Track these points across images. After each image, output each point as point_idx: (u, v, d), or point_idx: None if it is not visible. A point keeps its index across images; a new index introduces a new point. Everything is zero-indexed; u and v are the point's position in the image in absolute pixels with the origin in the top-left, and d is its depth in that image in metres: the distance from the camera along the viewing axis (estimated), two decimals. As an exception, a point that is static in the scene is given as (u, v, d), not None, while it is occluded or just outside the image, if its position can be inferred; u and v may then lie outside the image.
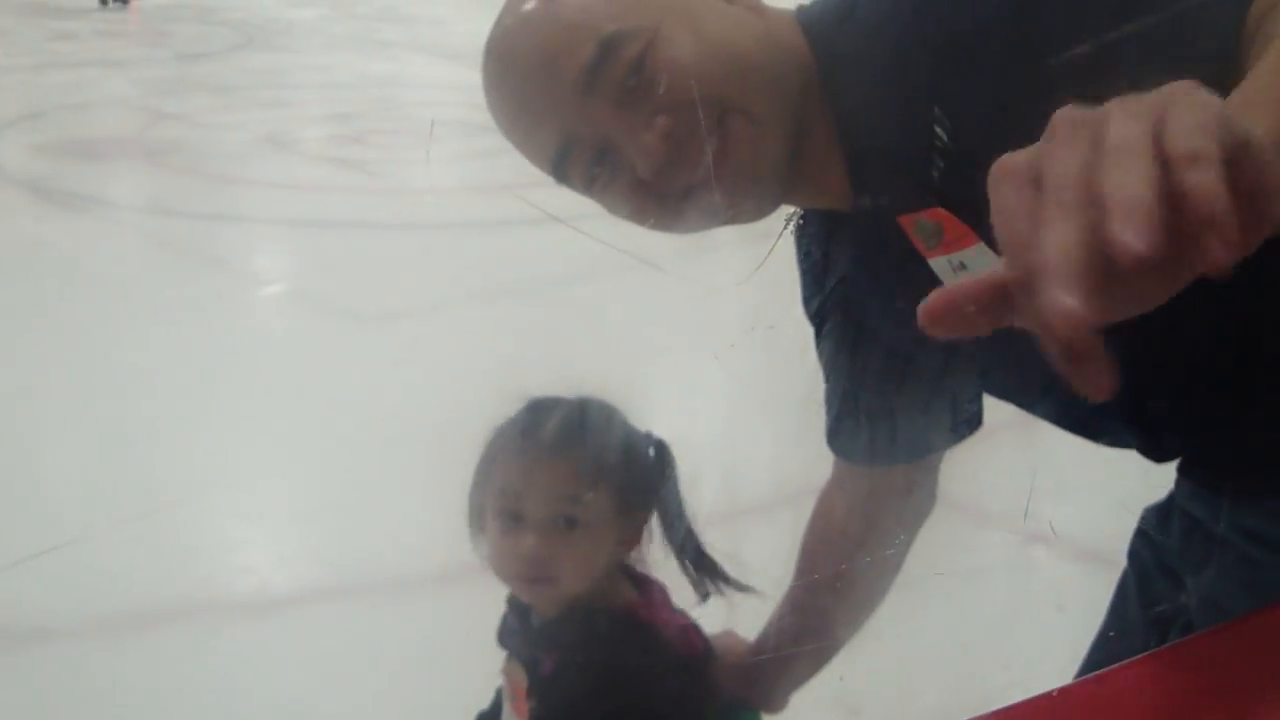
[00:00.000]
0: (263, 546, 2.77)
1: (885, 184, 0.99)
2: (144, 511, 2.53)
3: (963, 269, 0.95)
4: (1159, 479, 1.12)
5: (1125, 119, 0.56)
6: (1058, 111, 0.59)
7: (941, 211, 0.94)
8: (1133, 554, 1.23)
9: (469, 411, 1.33)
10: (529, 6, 1.00)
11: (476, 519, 1.30)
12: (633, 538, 1.30)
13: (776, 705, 1.38)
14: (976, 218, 0.92)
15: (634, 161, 0.97)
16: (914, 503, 1.30)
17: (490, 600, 1.32)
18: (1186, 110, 0.54)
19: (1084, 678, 0.72)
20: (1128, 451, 1.07)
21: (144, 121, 7.05)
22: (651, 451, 1.32)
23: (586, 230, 1.08)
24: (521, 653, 1.29)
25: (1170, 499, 1.15)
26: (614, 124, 0.96)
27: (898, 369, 1.15)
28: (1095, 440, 1.08)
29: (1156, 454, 1.07)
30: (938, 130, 0.88)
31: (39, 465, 2.87)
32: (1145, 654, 0.68)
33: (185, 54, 9.91)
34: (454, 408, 2.31)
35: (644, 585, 1.31)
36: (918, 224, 0.97)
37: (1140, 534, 1.21)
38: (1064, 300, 0.51)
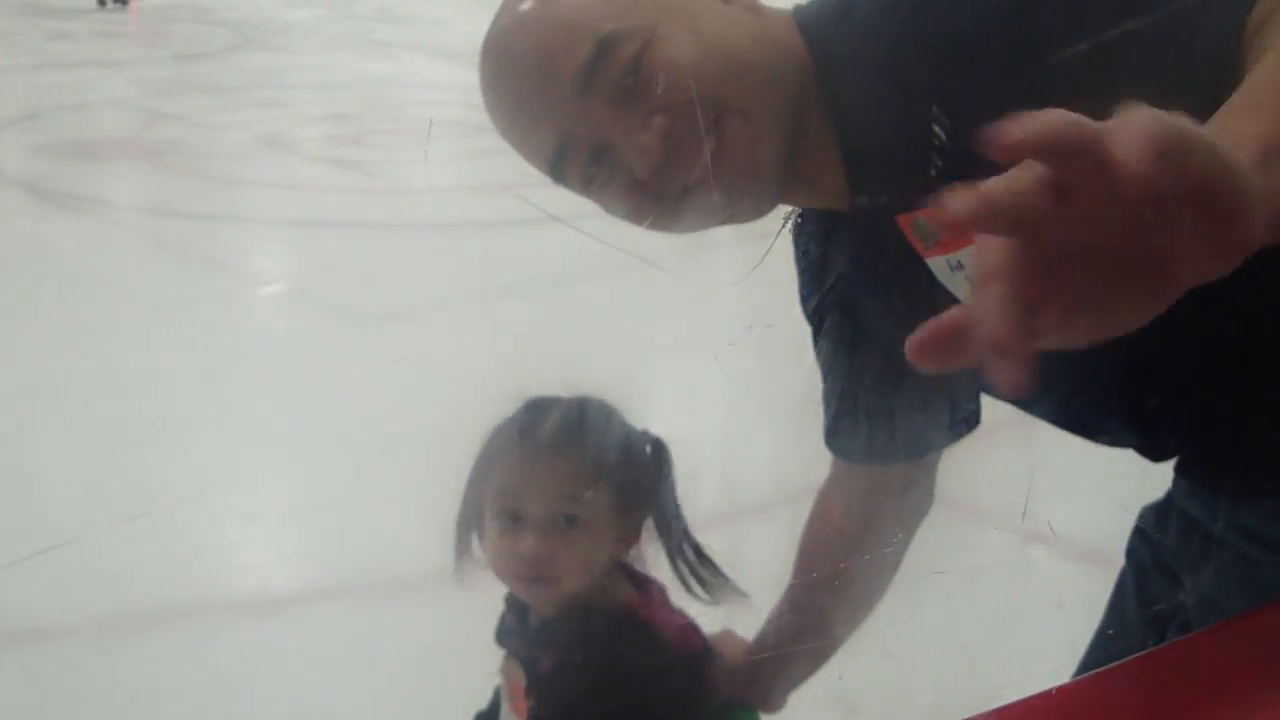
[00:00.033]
0: (262, 546, 2.77)
1: (882, 183, 0.99)
2: (144, 511, 2.53)
3: (960, 268, 0.95)
4: (1157, 478, 1.12)
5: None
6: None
7: (938, 211, 0.94)
8: (1131, 553, 1.23)
9: (468, 411, 1.33)
10: (526, 6, 1.00)
11: (467, 521, 1.30)
12: (632, 536, 1.30)
13: (775, 704, 1.38)
14: None
15: (631, 161, 0.97)
16: (912, 501, 1.31)
17: (489, 600, 1.32)
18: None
19: (1082, 676, 0.72)
20: (1126, 450, 1.07)
21: (142, 122, 7.04)
22: (649, 450, 1.32)
23: (585, 230, 1.08)
24: (520, 652, 1.29)
25: (1168, 498, 1.15)
26: (611, 124, 0.97)
27: (896, 367, 1.15)
28: (1093, 439, 1.08)
29: (1154, 453, 1.07)
30: (936, 129, 0.88)
31: (39, 465, 2.87)
32: (1143, 653, 0.68)
33: (183, 54, 9.91)
34: (453, 407, 2.31)
35: (643, 584, 1.31)
36: (915, 223, 0.97)
37: (1138, 533, 1.21)
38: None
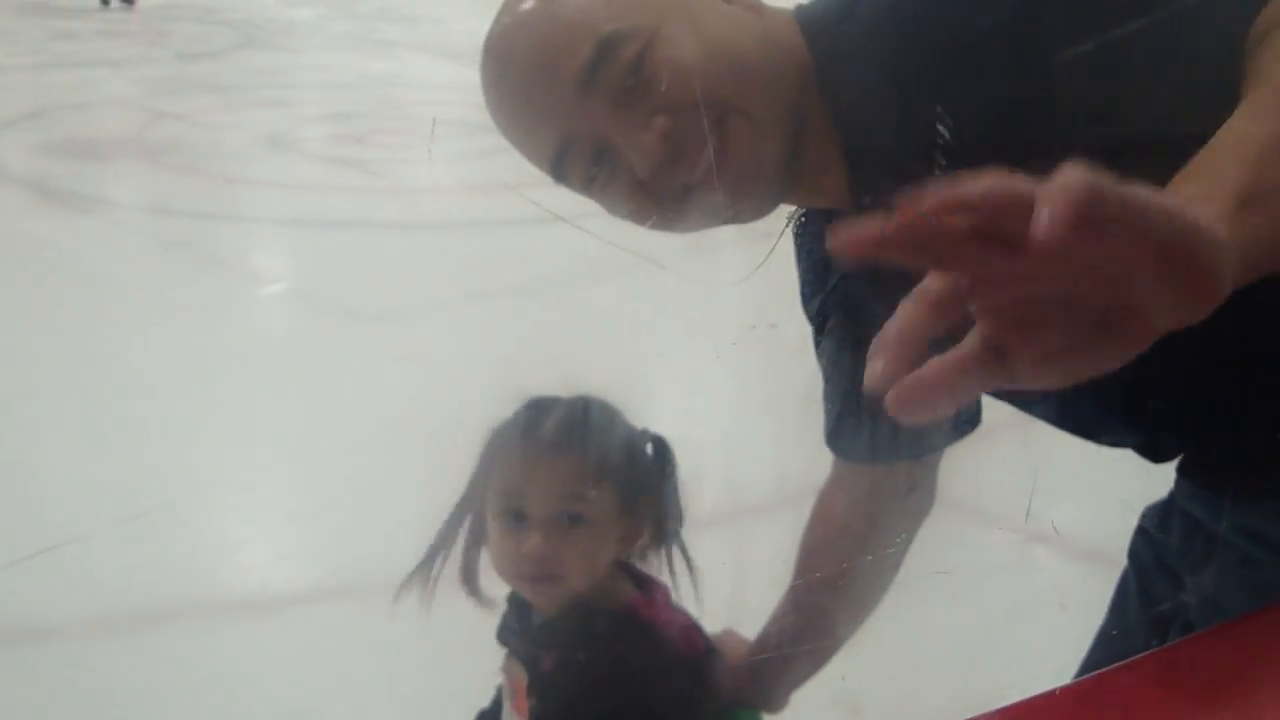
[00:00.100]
0: (263, 546, 2.77)
1: (885, 183, 0.99)
2: (144, 511, 2.53)
3: None
4: (1160, 478, 1.12)
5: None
6: None
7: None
8: (1133, 553, 1.22)
9: (470, 411, 1.33)
10: (527, 6, 1.00)
11: (461, 522, 1.30)
12: (635, 535, 1.30)
13: (777, 704, 1.38)
14: None
15: (632, 162, 0.97)
16: (914, 502, 1.30)
17: (491, 599, 1.32)
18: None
19: (1085, 677, 0.72)
20: (1128, 451, 1.07)
21: (145, 121, 7.05)
22: (650, 448, 1.32)
23: (588, 229, 1.08)
24: (522, 651, 1.29)
25: (1171, 498, 1.15)
26: (612, 124, 0.96)
27: None
28: (1095, 440, 1.08)
29: (1155, 454, 1.07)
30: (940, 128, 0.88)
31: (39, 465, 2.87)
32: (1145, 653, 0.68)
33: (186, 53, 9.91)
34: (455, 407, 2.32)
35: (645, 584, 1.31)
36: (917, 224, 0.97)
37: (1141, 533, 1.21)
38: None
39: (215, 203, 5.44)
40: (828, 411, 1.25)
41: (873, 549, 1.31)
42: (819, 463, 1.31)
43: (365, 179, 5.97)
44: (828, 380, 1.24)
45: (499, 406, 1.28)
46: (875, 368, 0.61)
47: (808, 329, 1.22)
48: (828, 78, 1.00)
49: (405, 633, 1.33)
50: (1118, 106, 0.86)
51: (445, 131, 5.89)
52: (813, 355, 1.23)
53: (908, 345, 0.61)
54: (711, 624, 1.34)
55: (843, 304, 1.16)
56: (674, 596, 1.32)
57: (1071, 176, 0.54)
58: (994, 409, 1.13)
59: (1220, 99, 0.81)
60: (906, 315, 0.62)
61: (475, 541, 1.30)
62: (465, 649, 1.34)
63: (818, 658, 1.36)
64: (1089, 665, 1.19)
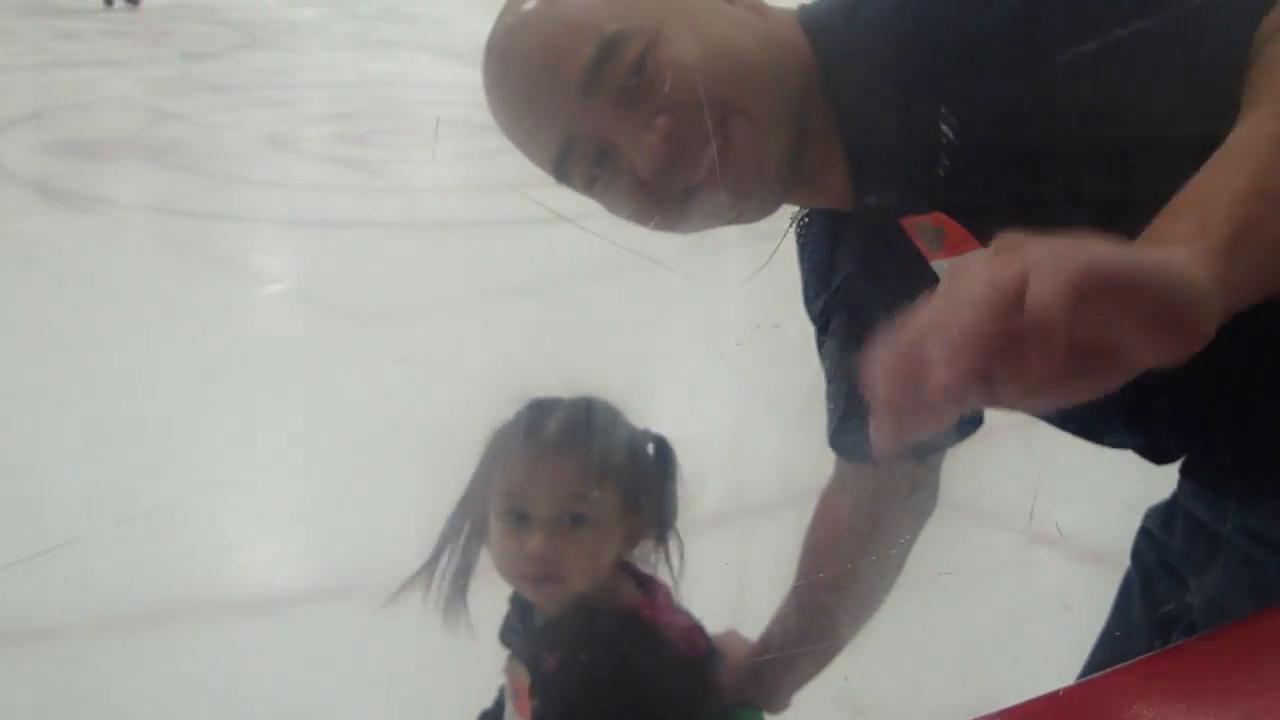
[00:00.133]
0: (263, 546, 2.77)
1: (888, 184, 0.99)
2: (144, 511, 2.53)
3: None
4: (1163, 479, 1.12)
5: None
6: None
7: (942, 216, 0.94)
8: (1136, 554, 1.22)
9: (471, 411, 1.33)
10: (530, 6, 1.00)
11: (464, 524, 1.30)
12: (638, 536, 1.30)
13: (779, 705, 1.38)
14: (977, 221, 0.92)
15: (635, 162, 0.97)
16: (917, 502, 1.30)
17: (493, 599, 1.32)
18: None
19: (1088, 678, 0.72)
20: (1130, 451, 1.07)
21: (147, 121, 7.05)
22: (651, 448, 1.32)
23: (591, 229, 1.08)
24: (524, 651, 1.29)
25: (1174, 499, 1.15)
26: (615, 124, 0.96)
27: None
28: (1097, 442, 1.08)
29: (1157, 456, 1.07)
30: (944, 129, 0.88)
31: (39, 464, 2.87)
32: (1148, 655, 0.68)
33: (188, 53, 9.91)
34: (456, 407, 2.31)
35: (648, 585, 1.31)
36: (919, 226, 0.97)
37: (1144, 534, 1.21)
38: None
39: (216, 202, 5.44)
40: (830, 412, 1.25)
41: (875, 550, 1.30)
42: (822, 463, 1.31)
43: (366, 179, 5.97)
44: (830, 381, 1.23)
45: (501, 407, 1.28)
46: (882, 435, 0.64)
47: (811, 329, 1.22)
48: (830, 78, 1.00)
49: (407, 633, 1.33)
50: (1120, 107, 0.85)
51: (447, 131, 5.89)
52: (816, 355, 1.23)
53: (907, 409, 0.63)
54: (714, 624, 1.34)
55: (846, 304, 1.16)
56: (675, 597, 1.32)
57: (1062, 256, 0.57)
58: (995, 412, 1.13)
59: (1222, 100, 0.81)
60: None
61: (474, 543, 1.30)
62: (467, 649, 1.34)
63: (820, 658, 1.36)
64: (1092, 666, 1.19)
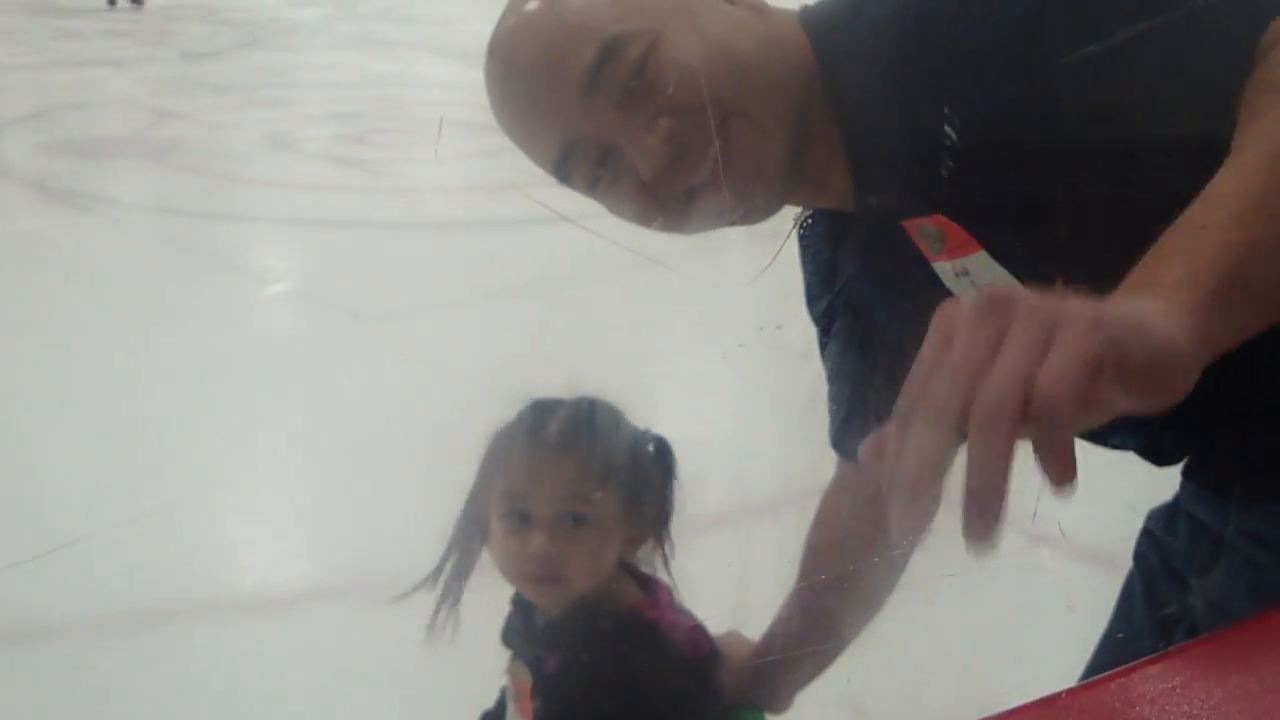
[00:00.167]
0: (263, 546, 2.77)
1: (888, 186, 0.99)
2: (144, 511, 2.53)
3: (965, 274, 0.95)
4: (1165, 481, 1.11)
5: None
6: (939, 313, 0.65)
7: (943, 219, 0.94)
8: (1138, 555, 1.22)
9: (473, 411, 1.33)
10: (532, 7, 1.00)
11: (470, 525, 1.29)
12: (640, 536, 1.30)
13: (781, 706, 1.38)
14: (979, 221, 0.92)
15: (636, 164, 0.97)
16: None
17: (494, 599, 1.32)
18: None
19: (1091, 679, 0.72)
20: (1133, 453, 1.07)
21: (148, 120, 7.05)
22: (652, 449, 1.32)
23: (593, 229, 1.08)
24: (526, 652, 1.29)
25: (1176, 501, 1.15)
26: (616, 126, 0.97)
27: (907, 368, 1.15)
28: (1100, 444, 1.08)
29: (1159, 458, 1.07)
30: (948, 130, 0.88)
31: (40, 464, 2.87)
32: (1151, 656, 0.68)
33: (189, 53, 9.92)
34: (459, 407, 2.31)
35: (649, 585, 1.30)
36: (921, 229, 0.97)
37: (1146, 535, 1.21)
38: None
39: (217, 202, 5.44)
40: (833, 413, 1.25)
41: (879, 551, 1.30)
42: (824, 464, 1.31)
43: (367, 179, 5.97)
44: (833, 382, 1.23)
45: (502, 407, 1.28)
46: (901, 515, 0.66)
47: (812, 330, 1.22)
48: (832, 79, 1.00)
49: (408, 633, 1.33)
50: (1123, 108, 0.85)
51: (448, 131, 5.89)
52: (818, 356, 1.23)
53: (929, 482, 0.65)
54: (716, 625, 1.34)
55: (849, 305, 1.16)
56: (677, 597, 1.32)
57: (1051, 398, 0.58)
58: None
59: (1225, 102, 0.81)
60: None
61: (475, 545, 1.30)
62: (469, 650, 1.34)
63: (822, 659, 1.36)
64: (1094, 668, 1.19)
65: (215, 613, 2.46)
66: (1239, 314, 0.67)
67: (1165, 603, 1.15)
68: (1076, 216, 0.89)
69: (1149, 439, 1.05)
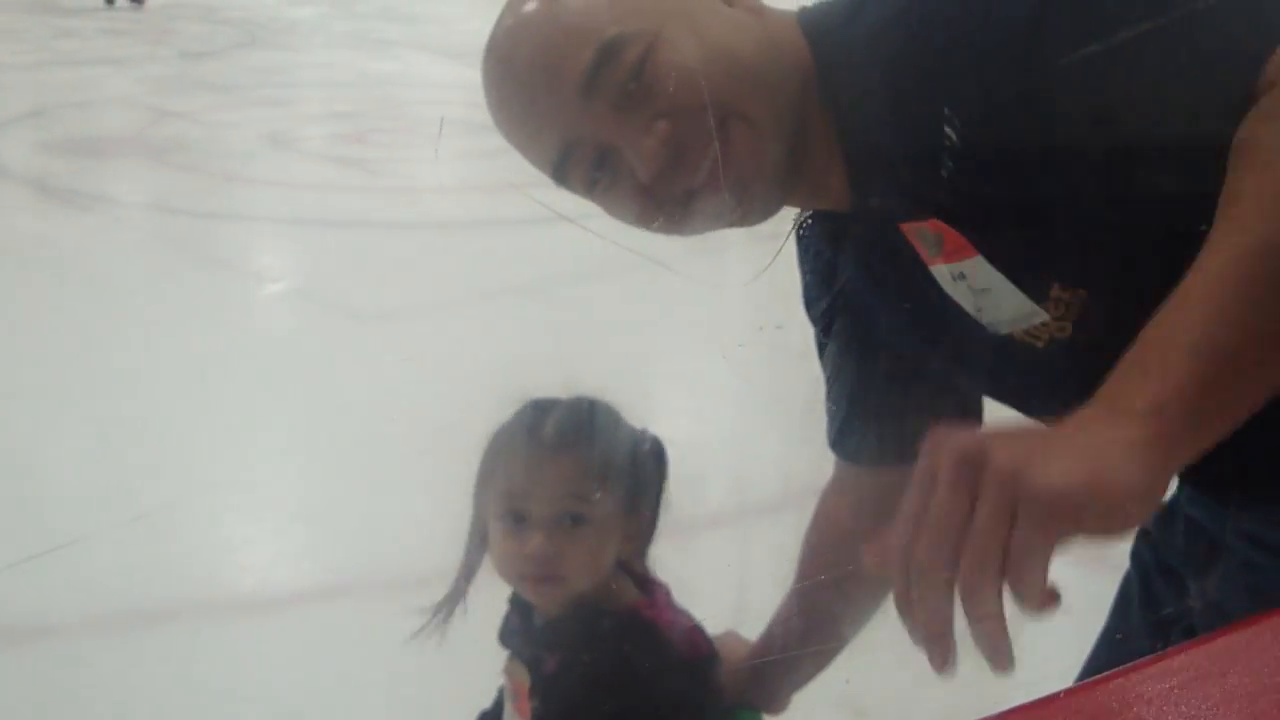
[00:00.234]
0: (263, 546, 2.77)
1: (886, 188, 0.99)
2: (144, 511, 2.53)
3: (962, 278, 0.96)
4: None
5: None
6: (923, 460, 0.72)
7: (940, 223, 0.94)
8: (1135, 555, 1.22)
9: (472, 411, 1.33)
10: (530, 8, 1.00)
11: (477, 526, 1.30)
12: (637, 536, 1.30)
13: (779, 706, 1.38)
14: (976, 226, 0.92)
15: (634, 166, 0.97)
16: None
17: (493, 599, 1.32)
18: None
19: (1087, 680, 0.72)
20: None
21: (147, 119, 7.04)
22: (648, 448, 1.32)
23: (593, 229, 1.08)
24: (524, 652, 1.29)
25: (1174, 502, 1.15)
26: (614, 128, 0.97)
27: (906, 368, 1.15)
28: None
29: None
30: (948, 130, 0.88)
31: (40, 464, 2.87)
32: (1147, 657, 0.68)
33: (188, 52, 9.91)
34: (457, 407, 2.31)
35: (648, 585, 1.31)
36: (918, 232, 0.97)
37: (1143, 536, 1.21)
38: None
39: (216, 201, 5.44)
40: (831, 414, 1.25)
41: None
42: (823, 464, 1.31)
43: (366, 178, 5.97)
44: (832, 382, 1.23)
45: (501, 407, 1.28)
46: (939, 662, 0.71)
47: (812, 331, 1.22)
48: (830, 80, 1.00)
49: (406, 633, 1.33)
50: (1122, 112, 0.86)
51: (447, 130, 5.89)
52: (817, 357, 1.23)
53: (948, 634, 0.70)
54: (715, 625, 1.34)
55: (848, 306, 1.16)
56: (674, 597, 1.32)
57: (1021, 581, 0.67)
58: (999, 411, 1.13)
59: (1228, 104, 0.81)
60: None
61: (478, 548, 1.30)
62: (467, 650, 1.34)
63: (820, 660, 1.36)
64: (1091, 668, 1.19)
65: (215, 613, 2.46)
66: (1208, 429, 0.72)
67: (1162, 604, 1.15)
68: (1074, 218, 0.89)
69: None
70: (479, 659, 1.36)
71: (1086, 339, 0.94)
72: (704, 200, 0.98)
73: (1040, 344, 0.96)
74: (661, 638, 1.27)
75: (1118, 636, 1.21)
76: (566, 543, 1.23)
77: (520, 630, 1.30)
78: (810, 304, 1.21)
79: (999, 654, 0.68)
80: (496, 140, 1.04)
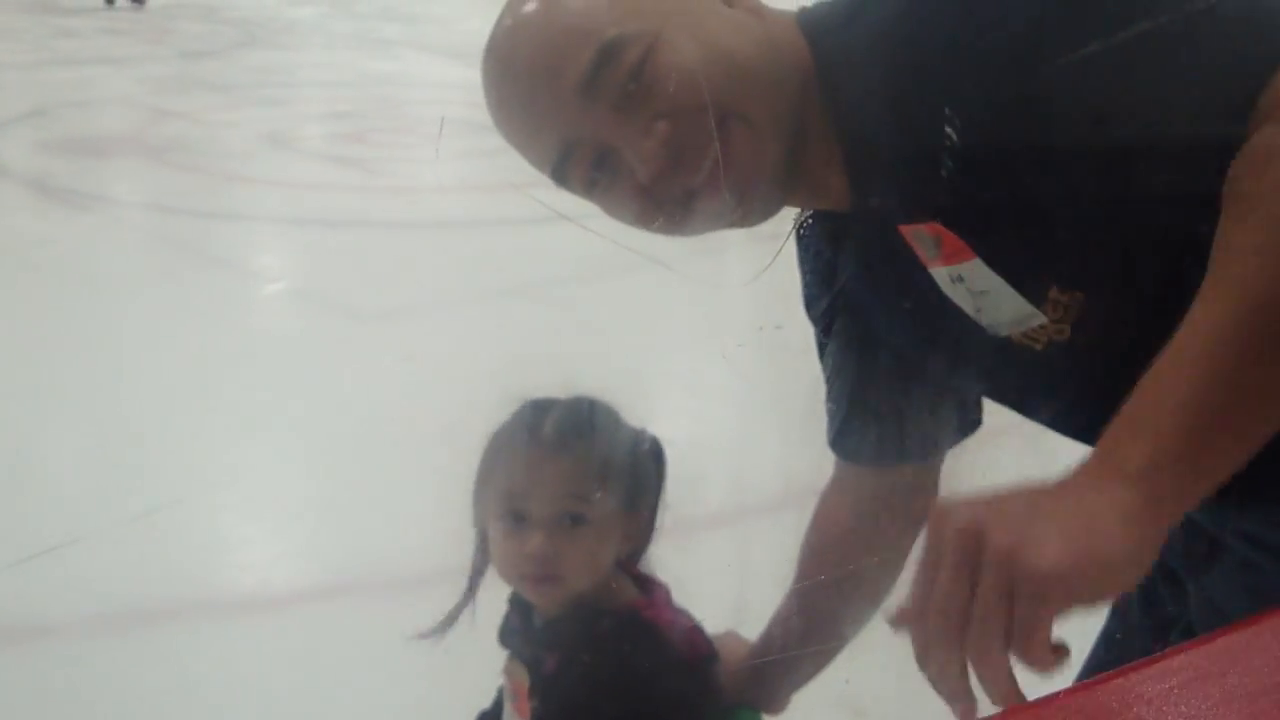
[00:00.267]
0: (263, 545, 2.77)
1: (886, 188, 0.99)
2: (144, 511, 2.53)
3: (960, 281, 0.96)
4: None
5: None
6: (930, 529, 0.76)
7: (939, 226, 0.94)
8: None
9: (472, 410, 1.33)
10: (529, 8, 1.00)
11: (479, 528, 1.30)
12: (637, 536, 1.30)
13: (778, 706, 1.38)
14: (975, 229, 0.92)
15: (634, 166, 0.97)
16: (917, 505, 1.30)
17: (492, 599, 1.32)
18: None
19: (1085, 680, 0.72)
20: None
21: (146, 119, 7.05)
22: (647, 448, 1.32)
23: (593, 229, 1.08)
24: (524, 652, 1.29)
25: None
26: (614, 128, 0.97)
27: (906, 368, 1.16)
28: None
29: None
30: (948, 130, 0.88)
31: (39, 464, 2.87)
32: (1146, 658, 0.68)
33: (188, 52, 9.91)
34: (456, 407, 2.31)
35: (647, 585, 1.31)
36: (917, 234, 0.97)
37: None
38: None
39: (216, 201, 5.44)
40: (831, 413, 1.25)
41: (877, 553, 1.31)
42: (823, 464, 1.31)
43: (365, 178, 5.97)
44: (832, 382, 1.24)
45: (501, 407, 1.28)
46: (964, 713, 0.76)
47: (812, 331, 1.22)
48: (829, 80, 1.00)
49: (407, 632, 1.33)
50: (1121, 114, 0.86)
51: (447, 130, 5.89)
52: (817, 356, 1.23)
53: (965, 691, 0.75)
54: (715, 625, 1.34)
55: (849, 306, 1.16)
56: (674, 597, 1.32)
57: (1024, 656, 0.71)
58: (998, 412, 1.13)
59: (1228, 105, 0.81)
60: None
61: (484, 548, 1.30)
62: (466, 650, 1.34)
63: (819, 660, 1.36)
64: (1090, 668, 1.19)
65: (215, 613, 2.46)
66: (1199, 488, 0.76)
67: (1161, 603, 1.15)
68: (1072, 221, 0.89)
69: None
70: (478, 659, 1.36)
71: (1085, 341, 0.94)
72: (704, 201, 0.98)
73: (1039, 346, 0.96)
74: (661, 638, 1.27)
75: (1117, 636, 1.21)
76: (566, 542, 1.23)
77: (520, 630, 1.30)
78: (810, 304, 1.21)
79: (1009, 702, 0.72)
80: (496, 140, 1.04)
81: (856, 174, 1.00)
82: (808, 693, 1.38)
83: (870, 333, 1.16)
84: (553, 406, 1.28)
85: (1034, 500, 0.74)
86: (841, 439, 1.26)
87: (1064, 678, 0.75)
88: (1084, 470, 0.75)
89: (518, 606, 1.31)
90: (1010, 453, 1.20)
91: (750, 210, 1.01)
